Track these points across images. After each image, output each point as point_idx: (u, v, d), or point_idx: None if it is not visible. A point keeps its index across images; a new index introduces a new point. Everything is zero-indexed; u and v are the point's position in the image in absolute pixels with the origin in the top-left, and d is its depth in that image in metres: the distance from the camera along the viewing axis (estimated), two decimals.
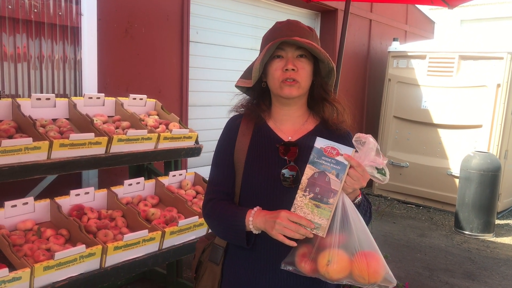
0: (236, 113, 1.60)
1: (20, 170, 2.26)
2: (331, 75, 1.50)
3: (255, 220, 1.37)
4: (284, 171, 1.43)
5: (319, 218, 1.29)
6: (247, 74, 1.49)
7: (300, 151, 1.44)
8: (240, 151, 1.51)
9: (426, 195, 6.52)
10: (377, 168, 1.32)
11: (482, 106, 5.96)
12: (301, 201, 1.31)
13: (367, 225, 1.50)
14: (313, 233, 1.29)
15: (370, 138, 1.31)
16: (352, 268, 1.28)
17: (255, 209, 1.40)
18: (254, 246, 1.44)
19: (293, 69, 1.42)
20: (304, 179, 1.32)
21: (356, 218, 1.31)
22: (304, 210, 1.30)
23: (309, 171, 1.32)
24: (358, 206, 1.39)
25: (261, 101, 1.56)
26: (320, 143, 1.34)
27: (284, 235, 1.29)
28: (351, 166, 1.30)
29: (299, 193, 1.32)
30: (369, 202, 1.52)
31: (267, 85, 1.51)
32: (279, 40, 1.40)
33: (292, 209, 1.31)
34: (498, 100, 5.84)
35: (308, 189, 1.31)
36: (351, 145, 1.45)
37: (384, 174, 1.33)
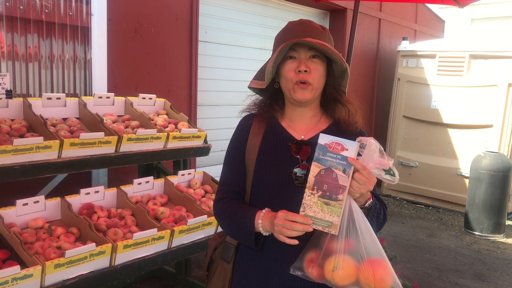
0: (248, 113, 1.60)
1: (31, 169, 2.29)
2: (345, 75, 1.49)
3: (264, 222, 1.37)
4: (296, 170, 1.42)
5: (330, 216, 1.27)
6: (260, 75, 1.49)
7: (313, 150, 1.42)
8: (252, 150, 1.51)
9: (436, 195, 6.48)
10: (384, 170, 1.30)
11: (492, 106, 5.90)
12: (310, 199, 1.29)
13: (381, 227, 1.48)
14: (324, 231, 1.28)
15: (371, 140, 1.29)
16: (359, 275, 1.26)
17: (264, 211, 1.40)
18: (263, 246, 1.44)
19: (305, 70, 1.41)
20: (311, 177, 1.30)
21: (363, 224, 1.29)
22: (314, 208, 1.28)
23: (315, 168, 1.30)
24: (369, 209, 1.38)
25: (274, 101, 1.56)
26: (324, 139, 1.31)
27: (284, 235, 1.29)
28: (356, 170, 1.27)
29: (307, 191, 1.29)
30: (383, 203, 1.50)
31: (280, 86, 1.51)
32: (291, 41, 1.39)
33: (301, 209, 1.29)
34: (509, 100, 5.78)
35: (315, 187, 1.29)
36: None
37: (393, 175, 1.30)
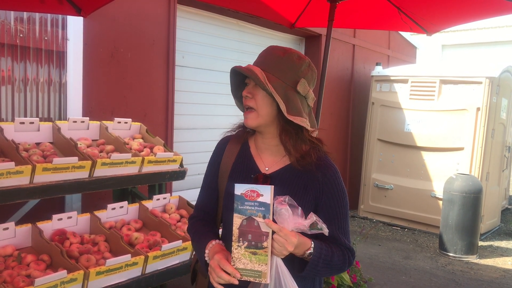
0: (228, 133, 1.64)
1: (1, 195, 2.24)
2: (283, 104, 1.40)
3: (210, 253, 1.41)
4: None
5: (259, 265, 1.28)
6: None
7: (273, 184, 1.41)
8: (223, 176, 1.56)
9: (411, 217, 6.57)
10: (310, 225, 1.30)
11: (463, 129, 6.09)
12: (238, 252, 1.30)
13: (339, 272, 1.48)
14: (256, 281, 1.29)
15: (279, 205, 1.28)
16: None
17: (214, 242, 1.44)
18: None
19: (246, 96, 1.46)
20: (235, 230, 1.31)
21: (289, 280, 1.32)
22: (243, 260, 1.29)
23: (237, 220, 1.31)
24: (308, 259, 1.36)
25: None
26: (239, 189, 1.31)
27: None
28: (274, 232, 1.28)
29: (234, 245, 1.30)
30: (345, 248, 1.46)
31: None
32: (232, 68, 1.46)
33: (232, 263, 1.31)
34: (478, 123, 5.98)
35: (241, 238, 1.30)
36: (337, 180, 1.46)
37: (320, 229, 1.31)
